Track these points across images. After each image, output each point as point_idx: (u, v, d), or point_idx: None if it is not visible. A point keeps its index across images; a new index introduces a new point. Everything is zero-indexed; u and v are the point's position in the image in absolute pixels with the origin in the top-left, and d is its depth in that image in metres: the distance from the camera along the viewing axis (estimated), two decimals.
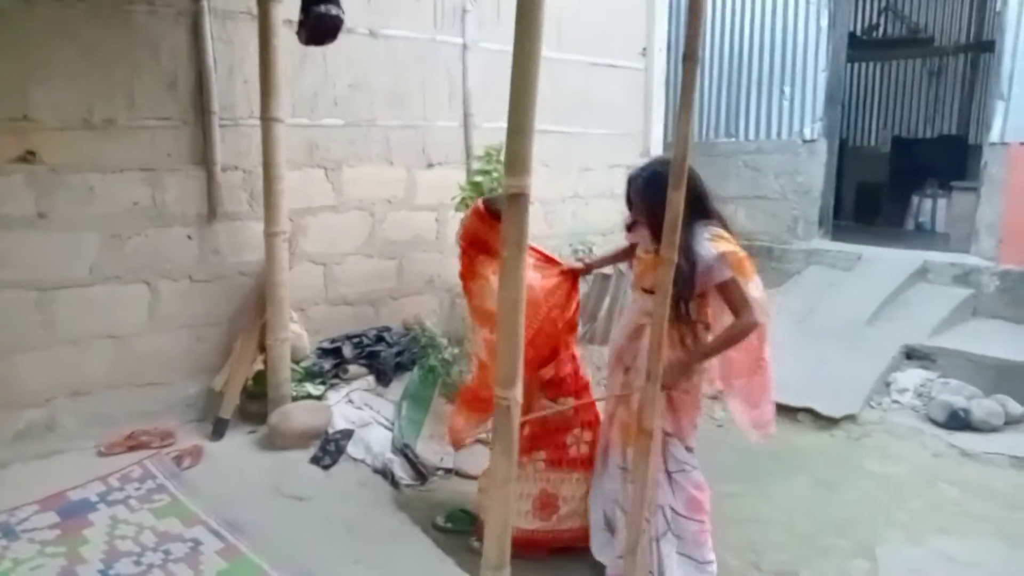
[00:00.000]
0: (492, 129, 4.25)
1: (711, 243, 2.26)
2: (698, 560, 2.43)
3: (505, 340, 2.12)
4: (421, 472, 3.27)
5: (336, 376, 3.67)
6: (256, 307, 3.44)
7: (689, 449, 2.43)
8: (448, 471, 3.37)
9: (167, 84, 3.23)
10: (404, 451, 3.32)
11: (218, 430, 3.32)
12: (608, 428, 2.55)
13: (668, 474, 2.41)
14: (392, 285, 4.10)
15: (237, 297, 3.50)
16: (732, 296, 2.23)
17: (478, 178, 3.76)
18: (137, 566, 2.39)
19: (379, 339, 3.86)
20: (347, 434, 3.35)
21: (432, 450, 3.49)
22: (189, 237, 3.35)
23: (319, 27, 2.88)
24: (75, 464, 3.02)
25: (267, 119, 3.24)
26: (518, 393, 2.13)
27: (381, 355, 3.77)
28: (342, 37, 3.57)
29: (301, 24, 2.95)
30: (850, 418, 4.08)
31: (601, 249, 4.41)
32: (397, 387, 3.72)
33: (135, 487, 2.90)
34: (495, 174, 3.75)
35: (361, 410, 3.57)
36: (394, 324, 4.02)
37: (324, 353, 3.71)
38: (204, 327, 3.45)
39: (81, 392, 3.15)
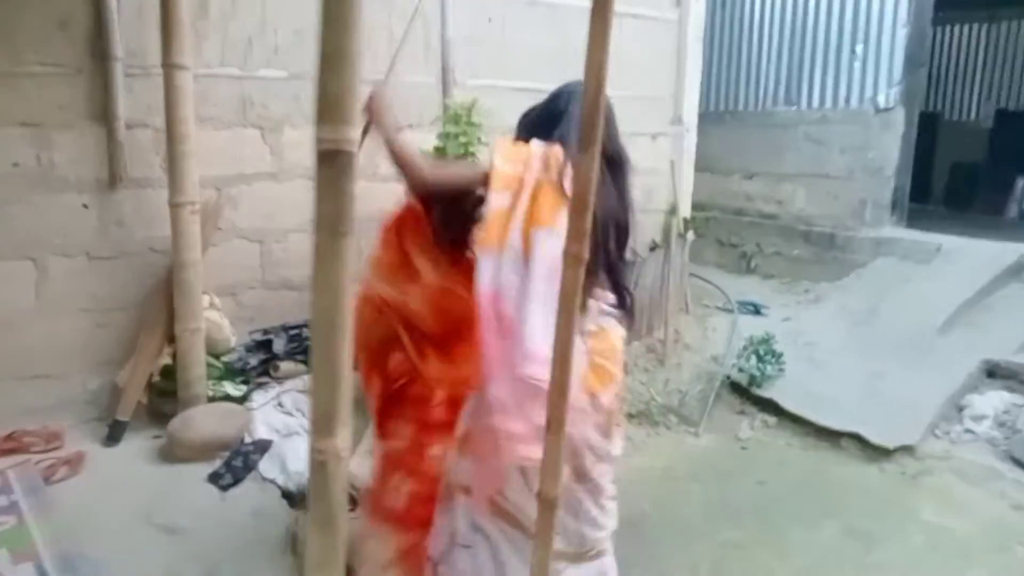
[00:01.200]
0: (479, 87, 3.59)
1: None
2: None
3: (322, 368, 1.48)
4: (350, 494, 2.69)
5: (266, 374, 3.13)
6: (164, 291, 2.92)
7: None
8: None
9: (57, 23, 2.71)
10: None
11: (113, 434, 2.83)
12: None
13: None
14: None
15: (148, 277, 2.98)
16: None
17: (440, 143, 3.12)
18: None
19: None
20: (262, 447, 2.80)
21: (370, 467, 2.92)
22: (85, 206, 2.85)
23: None
24: None
25: (169, 65, 2.69)
26: (342, 442, 1.48)
27: None
28: None
29: None
30: (907, 449, 3.26)
31: None
32: None
33: None
34: (463, 138, 3.10)
35: (291, 416, 3.02)
36: None
37: (254, 346, 3.17)
38: (107, 312, 2.95)
39: None
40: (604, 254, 1.71)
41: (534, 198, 1.60)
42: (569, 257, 1.43)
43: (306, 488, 2.55)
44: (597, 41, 1.42)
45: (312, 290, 1.47)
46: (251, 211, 3.21)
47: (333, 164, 1.43)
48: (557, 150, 1.65)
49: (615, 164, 1.77)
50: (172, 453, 2.75)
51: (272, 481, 2.69)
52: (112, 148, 2.84)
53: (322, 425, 1.52)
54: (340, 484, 1.60)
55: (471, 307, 1.57)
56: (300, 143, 3.28)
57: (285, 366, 3.13)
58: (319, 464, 1.56)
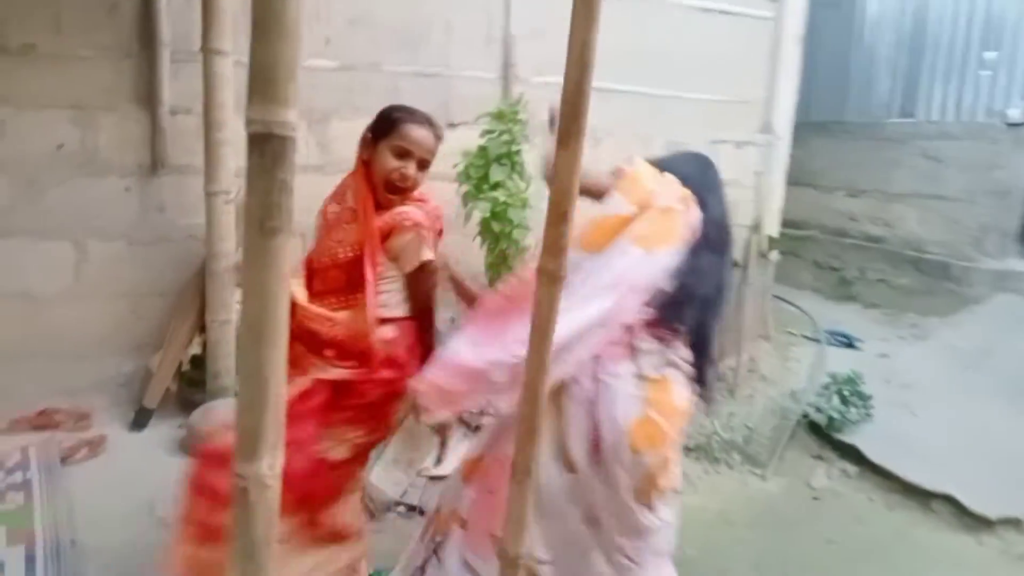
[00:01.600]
0: (543, 84, 3.38)
1: None
2: None
3: (249, 383, 1.27)
4: (367, 506, 2.54)
5: None
6: (198, 280, 2.87)
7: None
8: (411, 508, 2.62)
9: (107, 7, 2.72)
10: None
11: (139, 420, 2.81)
12: None
13: None
14: None
15: (186, 265, 2.94)
16: None
17: (485, 141, 2.92)
18: None
19: None
20: None
21: (394, 479, 2.76)
22: (127, 190, 2.84)
23: None
24: None
25: (208, 50, 2.63)
26: (267, 468, 1.27)
27: None
28: None
29: None
30: (1013, 523, 2.76)
31: None
32: None
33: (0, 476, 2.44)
34: (506, 136, 2.89)
35: None
36: None
37: None
38: (144, 297, 2.93)
39: None
40: (697, 325, 1.58)
41: (654, 219, 1.49)
42: (544, 275, 1.19)
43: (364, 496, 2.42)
44: (582, 17, 1.16)
45: (242, 296, 1.28)
46: (294, 204, 3.11)
47: (264, 150, 1.20)
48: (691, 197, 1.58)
49: (722, 238, 1.65)
50: (191, 444, 2.68)
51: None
52: (155, 133, 2.83)
53: (246, 448, 1.29)
54: (264, 514, 1.37)
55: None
56: (347, 136, 3.16)
57: None
58: (241, 491, 1.32)
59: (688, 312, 1.55)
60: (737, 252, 4.09)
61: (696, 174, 1.66)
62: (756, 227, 4.07)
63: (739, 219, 4.11)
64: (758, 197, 4.12)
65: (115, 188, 2.83)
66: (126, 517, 2.30)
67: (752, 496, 3.09)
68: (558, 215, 1.18)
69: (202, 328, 2.87)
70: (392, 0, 3.15)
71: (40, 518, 2.25)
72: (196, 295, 2.86)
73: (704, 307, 1.58)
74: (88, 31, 2.70)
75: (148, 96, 2.80)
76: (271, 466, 1.31)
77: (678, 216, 1.53)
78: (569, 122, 1.16)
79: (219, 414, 2.73)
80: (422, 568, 1.70)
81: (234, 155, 2.76)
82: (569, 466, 1.50)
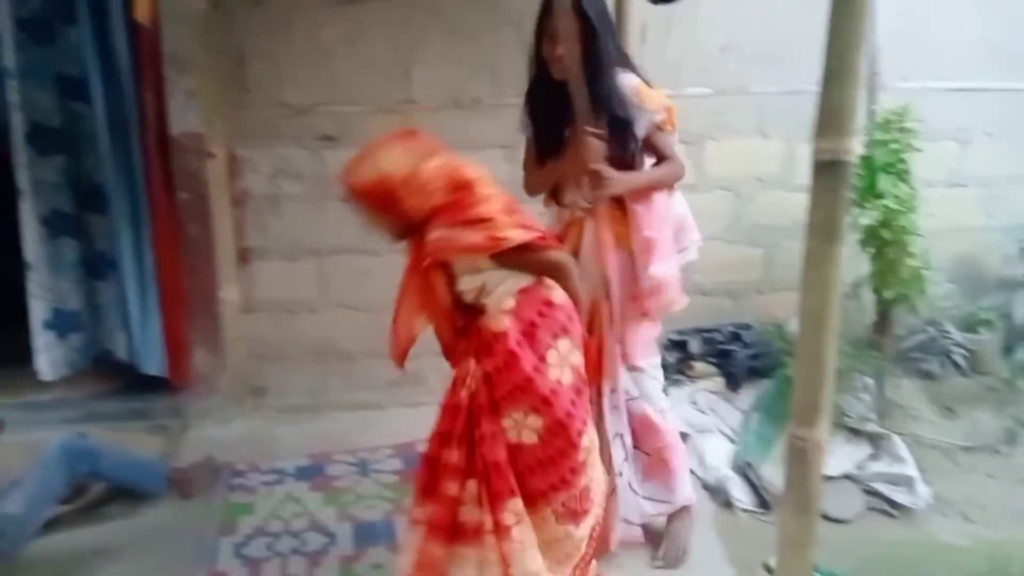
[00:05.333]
0: (909, 90, 3.39)
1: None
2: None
3: (808, 360, 1.58)
4: (763, 498, 2.77)
5: (680, 372, 3.33)
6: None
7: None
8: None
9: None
10: (746, 470, 2.85)
11: None
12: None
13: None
14: (757, 277, 3.57)
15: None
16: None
17: (868, 151, 3.00)
18: None
19: (734, 337, 3.38)
20: (681, 438, 3.00)
21: (782, 475, 2.94)
22: (541, 214, 3.35)
23: None
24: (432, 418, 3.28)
25: None
26: (821, 432, 1.57)
27: (734, 356, 3.30)
28: None
29: None
30: None
31: None
32: (748, 395, 3.22)
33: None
34: (893, 145, 2.96)
35: (704, 414, 3.18)
36: (755, 322, 3.49)
37: (671, 345, 3.39)
38: None
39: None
40: None
41: None
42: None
43: (760, 488, 2.69)
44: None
45: (802, 290, 1.58)
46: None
47: (831, 174, 1.53)
48: None
49: None
50: None
51: (691, 472, 2.87)
52: None
53: (804, 415, 1.63)
54: (818, 471, 1.68)
55: None
56: (719, 156, 3.45)
57: (699, 367, 3.30)
58: (799, 451, 1.67)
59: None
60: None
61: None
62: None
63: None
64: None
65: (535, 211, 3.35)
66: None
67: None
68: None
69: None
70: (761, 23, 3.36)
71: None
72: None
73: None
74: (519, 83, 3.25)
75: None
76: (824, 430, 1.60)
77: None
78: None
79: None
80: None
81: None
82: None
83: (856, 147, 1.50)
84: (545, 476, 1.80)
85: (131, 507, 2.68)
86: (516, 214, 1.85)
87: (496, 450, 1.77)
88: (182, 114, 3.05)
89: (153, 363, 3.37)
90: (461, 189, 1.80)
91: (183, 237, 3.17)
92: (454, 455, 1.79)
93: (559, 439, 1.79)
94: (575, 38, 2.01)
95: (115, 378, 3.53)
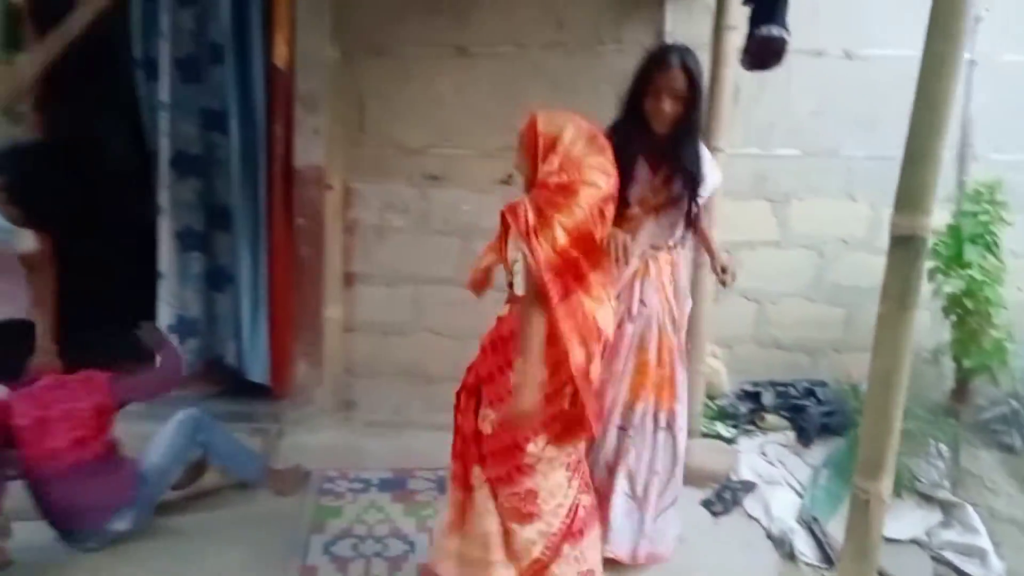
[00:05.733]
0: (1001, 162, 3.42)
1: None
2: None
3: (875, 417, 1.71)
4: (827, 554, 2.80)
5: (752, 422, 3.41)
6: None
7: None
8: None
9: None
10: (811, 525, 2.90)
11: None
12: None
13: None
14: (836, 336, 3.61)
15: None
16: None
17: (955, 221, 3.05)
18: None
19: (808, 393, 3.44)
20: (748, 487, 3.07)
21: None
22: None
23: (762, 52, 2.72)
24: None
25: (709, 149, 3.19)
26: (884, 488, 1.68)
27: (807, 411, 3.35)
28: (810, 61, 3.37)
29: (745, 49, 2.83)
30: None
31: None
32: (819, 451, 3.26)
33: None
34: (982, 217, 3.00)
35: (773, 466, 3.23)
36: (831, 380, 3.53)
37: (744, 395, 3.48)
38: None
39: None
40: None
41: None
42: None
43: (825, 544, 2.75)
44: None
45: (873, 351, 1.70)
46: (752, 274, 3.55)
47: (907, 247, 1.67)
48: None
49: None
50: None
51: (756, 520, 2.93)
52: None
53: (868, 468, 1.75)
54: (878, 523, 1.79)
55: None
56: (805, 215, 3.54)
57: (771, 419, 3.37)
58: (861, 503, 1.79)
59: None
60: None
61: None
62: None
63: None
64: None
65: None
66: None
67: None
68: None
69: None
70: (855, 91, 3.46)
71: None
72: None
73: None
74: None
75: None
76: (886, 486, 1.71)
77: None
78: None
79: (694, 451, 3.20)
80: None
81: (719, 233, 3.28)
82: None
83: (931, 225, 1.63)
84: (495, 466, 2.07)
85: (232, 499, 2.97)
86: (591, 253, 1.98)
87: (471, 421, 2.12)
88: (306, 149, 3.39)
89: (258, 371, 3.69)
90: (567, 189, 1.95)
91: (296, 259, 3.49)
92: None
93: (506, 436, 2.01)
94: (682, 98, 2.21)
95: (223, 382, 3.87)
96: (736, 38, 3.08)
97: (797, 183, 3.52)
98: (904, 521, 2.78)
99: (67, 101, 3.75)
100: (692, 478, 3.10)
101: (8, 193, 3.11)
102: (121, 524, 2.61)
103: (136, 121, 3.63)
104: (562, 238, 1.89)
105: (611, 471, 2.50)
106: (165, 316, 3.63)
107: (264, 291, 3.63)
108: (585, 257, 1.95)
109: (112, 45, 3.71)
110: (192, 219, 3.68)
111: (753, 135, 3.50)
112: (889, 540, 2.81)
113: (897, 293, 1.64)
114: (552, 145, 1.96)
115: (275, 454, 3.34)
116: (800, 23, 2.82)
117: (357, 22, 3.38)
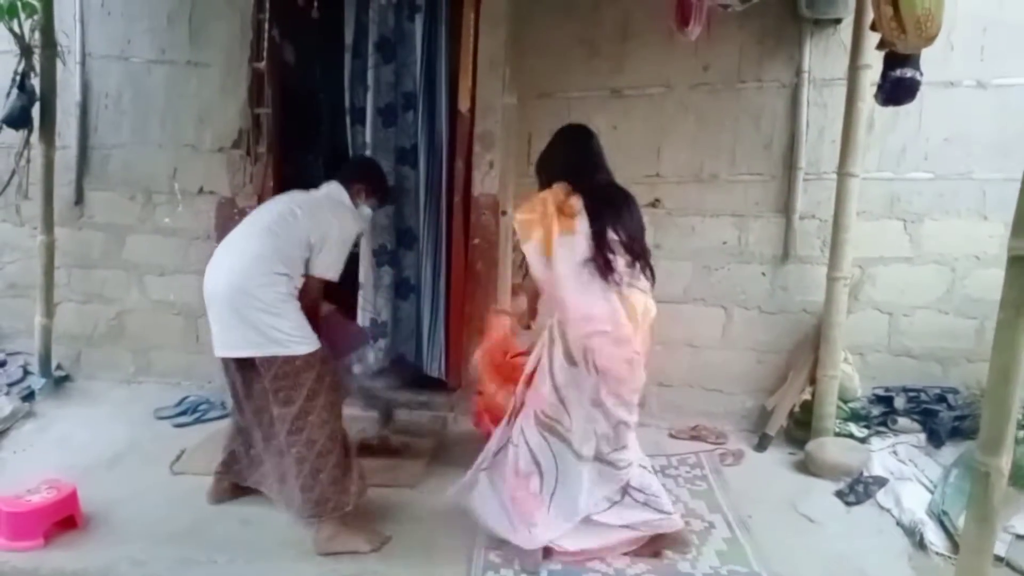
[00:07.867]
0: None
1: None
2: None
3: (994, 403, 2.08)
4: (957, 544, 3.08)
5: (883, 424, 3.69)
6: (812, 343, 3.77)
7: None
8: (998, 559, 3.07)
9: (763, 145, 3.86)
10: (942, 517, 3.17)
11: (762, 443, 3.79)
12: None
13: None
14: (968, 346, 3.82)
15: (797, 331, 3.90)
16: None
17: None
18: None
19: (940, 399, 3.68)
20: (880, 482, 3.38)
21: None
22: (763, 274, 3.92)
23: (896, 90, 3.06)
24: (652, 439, 3.90)
25: (843, 174, 3.55)
26: (1003, 463, 2.06)
27: (939, 415, 3.61)
28: (943, 91, 3.65)
29: (880, 87, 3.16)
30: None
31: None
32: (950, 452, 3.50)
33: (686, 470, 3.60)
34: None
35: (904, 464, 3.51)
36: (963, 387, 3.76)
37: (875, 399, 3.77)
38: (765, 352, 3.96)
39: (664, 384, 4.05)
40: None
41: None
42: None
43: (956, 535, 3.03)
44: None
45: (993, 350, 2.07)
46: (885, 288, 3.85)
47: (1020, 265, 2.04)
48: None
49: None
50: (806, 467, 3.54)
51: (888, 511, 3.24)
52: (788, 233, 3.86)
53: (990, 444, 2.13)
54: (997, 493, 2.17)
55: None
56: (937, 234, 3.79)
57: (903, 421, 3.65)
58: (982, 475, 2.17)
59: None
60: None
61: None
62: None
63: None
64: None
65: (755, 272, 3.94)
66: (776, 507, 3.22)
67: None
68: None
69: (812, 380, 3.76)
70: (988, 118, 3.69)
71: (721, 498, 3.31)
72: (810, 354, 3.77)
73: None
74: (750, 163, 3.88)
75: (785, 206, 3.86)
76: (1005, 461, 2.08)
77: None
78: None
79: (829, 447, 3.56)
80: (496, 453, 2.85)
81: (852, 250, 3.62)
82: (571, 361, 2.56)
83: None
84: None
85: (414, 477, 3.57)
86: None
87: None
88: (483, 180, 4.00)
89: (435, 367, 4.35)
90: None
91: (472, 273, 4.11)
92: None
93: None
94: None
95: (404, 375, 4.55)
96: (870, 75, 3.43)
97: (930, 204, 3.78)
98: None
99: (299, 147, 4.59)
100: (825, 472, 3.46)
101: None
102: None
103: (346, 157, 4.38)
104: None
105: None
106: (362, 321, 4.35)
107: (442, 300, 4.28)
108: None
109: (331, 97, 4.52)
110: (385, 238, 4.39)
111: (887, 160, 3.80)
112: (1020, 537, 3.06)
113: (1013, 302, 2.00)
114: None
115: (448, 436, 3.96)
116: (932, 58, 3.13)
117: (528, 71, 3.97)
